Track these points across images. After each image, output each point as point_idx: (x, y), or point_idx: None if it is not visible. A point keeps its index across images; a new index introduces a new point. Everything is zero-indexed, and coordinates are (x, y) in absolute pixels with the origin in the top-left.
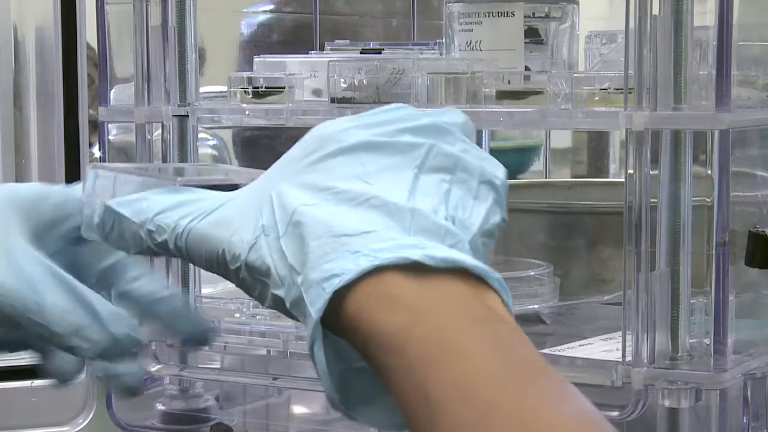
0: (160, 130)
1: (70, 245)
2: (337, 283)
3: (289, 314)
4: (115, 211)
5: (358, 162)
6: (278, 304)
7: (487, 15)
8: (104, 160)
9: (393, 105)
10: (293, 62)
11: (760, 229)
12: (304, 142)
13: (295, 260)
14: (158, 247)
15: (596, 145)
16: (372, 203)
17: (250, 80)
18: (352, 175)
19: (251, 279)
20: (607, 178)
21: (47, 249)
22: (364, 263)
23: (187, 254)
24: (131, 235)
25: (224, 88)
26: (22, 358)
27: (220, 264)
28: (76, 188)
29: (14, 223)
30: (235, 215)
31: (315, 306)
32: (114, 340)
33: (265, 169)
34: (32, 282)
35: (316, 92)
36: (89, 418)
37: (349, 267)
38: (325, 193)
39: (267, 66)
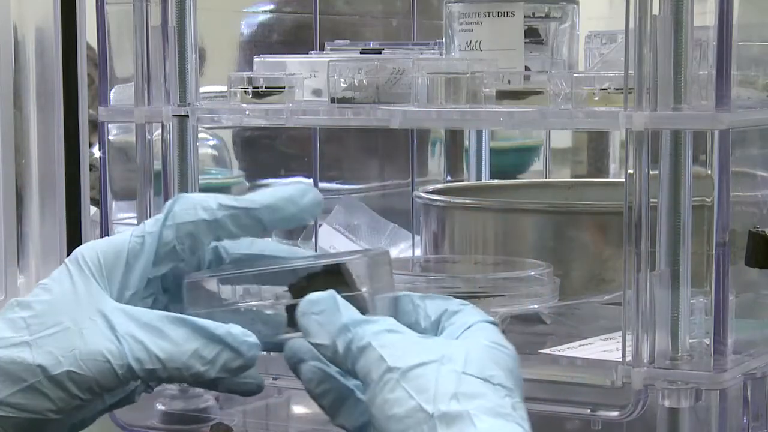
0: (160, 130)
1: (153, 284)
2: None
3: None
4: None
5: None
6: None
7: (487, 15)
8: (104, 161)
9: None
10: (293, 62)
11: (760, 229)
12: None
13: None
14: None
15: (596, 145)
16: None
17: (250, 80)
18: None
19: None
20: (607, 178)
21: (139, 297)
22: None
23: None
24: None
25: (224, 88)
26: None
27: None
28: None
29: (100, 292)
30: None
31: None
32: (245, 359)
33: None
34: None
35: (316, 92)
36: None
37: None
38: None
39: (267, 66)
